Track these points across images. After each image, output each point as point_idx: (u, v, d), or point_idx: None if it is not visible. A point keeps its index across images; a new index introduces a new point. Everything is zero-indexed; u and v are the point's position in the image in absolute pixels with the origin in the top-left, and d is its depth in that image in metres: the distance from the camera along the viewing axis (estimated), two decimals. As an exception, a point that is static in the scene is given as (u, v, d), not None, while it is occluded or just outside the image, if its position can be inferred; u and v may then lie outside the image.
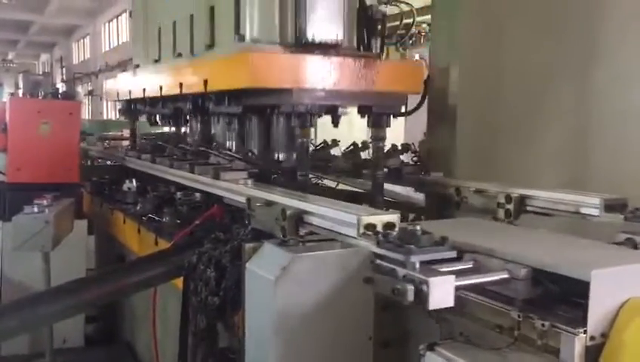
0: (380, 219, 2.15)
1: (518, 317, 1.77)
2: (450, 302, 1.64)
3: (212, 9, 3.75)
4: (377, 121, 3.46)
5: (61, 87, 26.62)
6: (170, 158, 4.22)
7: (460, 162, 3.85)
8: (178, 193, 4.00)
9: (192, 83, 3.66)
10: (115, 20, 28.79)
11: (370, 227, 2.11)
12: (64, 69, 36.84)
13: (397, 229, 2.06)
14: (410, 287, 1.63)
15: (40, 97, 6.18)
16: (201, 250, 2.65)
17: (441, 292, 1.62)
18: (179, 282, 2.84)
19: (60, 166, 5.25)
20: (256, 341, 2.18)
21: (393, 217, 2.18)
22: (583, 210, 2.73)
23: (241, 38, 3.33)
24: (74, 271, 4.58)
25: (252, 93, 3.27)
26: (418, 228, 1.89)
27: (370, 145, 3.73)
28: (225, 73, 3.31)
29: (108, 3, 19.99)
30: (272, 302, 2.02)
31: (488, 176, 3.50)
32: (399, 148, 4.00)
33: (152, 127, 5.72)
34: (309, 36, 3.27)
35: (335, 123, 3.97)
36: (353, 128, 5.05)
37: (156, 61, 4.79)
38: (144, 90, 4.64)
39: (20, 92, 17.73)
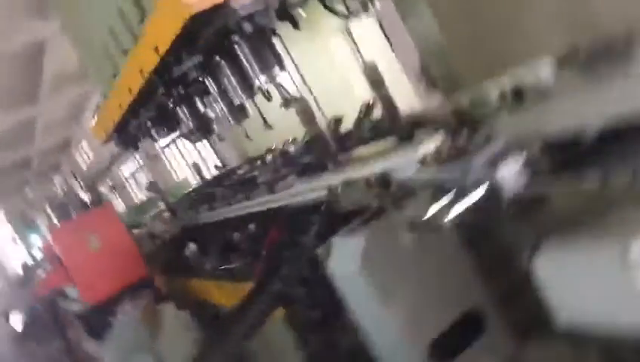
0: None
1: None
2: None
3: None
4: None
5: (85, 196, 27.16)
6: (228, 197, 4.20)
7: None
8: (234, 234, 4.05)
9: (147, 59, 3.52)
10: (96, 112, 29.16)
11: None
12: (79, 180, 37.61)
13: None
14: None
15: (74, 216, 6.32)
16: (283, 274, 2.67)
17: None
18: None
19: (125, 268, 5.36)
20: (376, 334, 2.21)
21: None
22: None
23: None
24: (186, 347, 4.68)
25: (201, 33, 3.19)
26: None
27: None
28: (165, 25, 3.18)
29: (83, 106, 20.25)
30: (369, 292, 2.02)
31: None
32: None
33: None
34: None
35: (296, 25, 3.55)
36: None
37: (114, 75, 4.62)
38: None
39: (55, 220, 18.19)
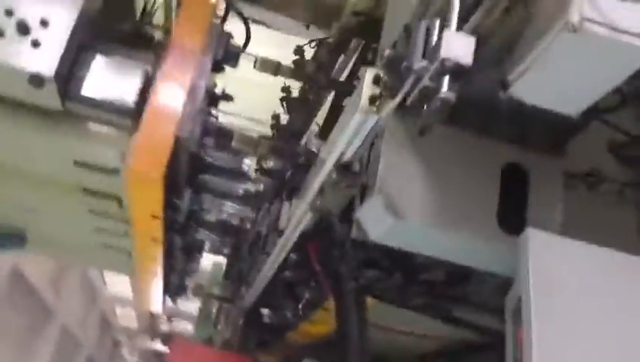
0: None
1: None
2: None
3: None
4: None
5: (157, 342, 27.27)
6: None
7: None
8: (285, 275, 4.05)
9: (151, 225, 3.43)
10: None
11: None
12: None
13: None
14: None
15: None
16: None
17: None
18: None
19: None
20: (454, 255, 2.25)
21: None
22: None
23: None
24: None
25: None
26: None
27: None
28: (150, 193, 3.02)
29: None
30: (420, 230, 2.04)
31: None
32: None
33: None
34: None
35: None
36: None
37: (129, 254, 4.76)
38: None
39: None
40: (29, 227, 4.41)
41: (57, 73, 2.47)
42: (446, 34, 1.49)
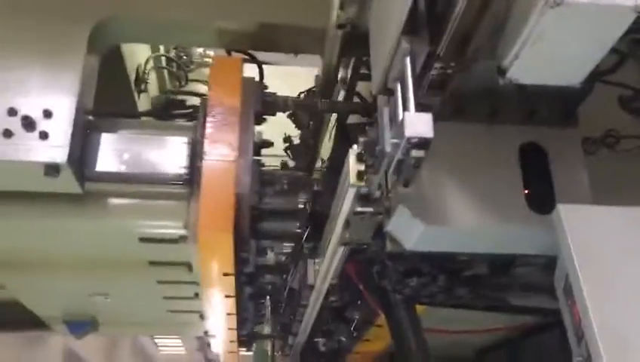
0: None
1: None
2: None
3: None
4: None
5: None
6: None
7: None
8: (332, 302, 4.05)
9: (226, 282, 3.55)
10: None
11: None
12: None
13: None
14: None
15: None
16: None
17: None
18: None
19: None
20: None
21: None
22: None
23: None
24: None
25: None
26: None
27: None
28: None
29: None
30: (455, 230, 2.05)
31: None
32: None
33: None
34: None
35: None
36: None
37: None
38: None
39: None
40: (100, 310, 4.45)
41: (70, 158, 2.54)
42: (406, 116, 1.70)
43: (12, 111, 2.55)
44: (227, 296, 3.65)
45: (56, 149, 2.53)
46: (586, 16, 1.49)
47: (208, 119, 2.82)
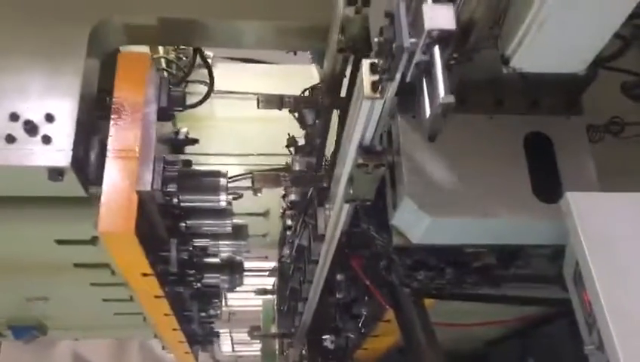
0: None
1: None
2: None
3: None
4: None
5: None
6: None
7: None
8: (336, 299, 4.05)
9: (147, 284, 3.50)
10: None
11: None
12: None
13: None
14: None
15: None
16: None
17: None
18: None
19: None
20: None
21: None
22: None
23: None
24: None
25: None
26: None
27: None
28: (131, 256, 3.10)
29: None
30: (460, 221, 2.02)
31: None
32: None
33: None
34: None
35: None
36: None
37: (144, 319, 4.83)
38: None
39: None
40: (45, 314, 4.53)
41: (74, 161, 2.53)
42: (424, 7, 1.53)
43: (14, 117, 2.55)
44: (157, 297, 3.65)
45: (60, 153, 2.53)
46: (589, 0, 1.48)
47: (112, 117, 2.82)
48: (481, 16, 1.72)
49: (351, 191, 2.31)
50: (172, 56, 4.85)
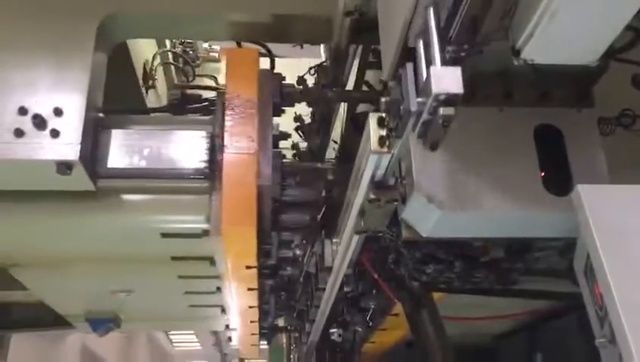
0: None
1: None
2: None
3: None
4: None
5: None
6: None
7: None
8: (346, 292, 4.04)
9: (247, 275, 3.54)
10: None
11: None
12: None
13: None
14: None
15: None
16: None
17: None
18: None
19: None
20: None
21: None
22: None
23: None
24: None
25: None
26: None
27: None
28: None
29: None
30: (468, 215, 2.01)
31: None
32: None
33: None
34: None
35: None
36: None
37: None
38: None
39: None
40: (122, 306, 4.47)
41: (82, 155, 2.53)
42: (433, 71, 1.53)
43: (23, 111, 2.54)
44: (250, 289, 3.66)
45: (68, 147, 2.53)
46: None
47: (227, 112, 2.80)
48: (492, 7, 1.71)
49: (362, 224, 2.33)
50: (179, 50, 4.85)
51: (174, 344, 18.61)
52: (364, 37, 2.84)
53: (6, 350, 5.81)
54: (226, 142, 2.75)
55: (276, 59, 4.27)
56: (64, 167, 2.54)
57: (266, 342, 6.25)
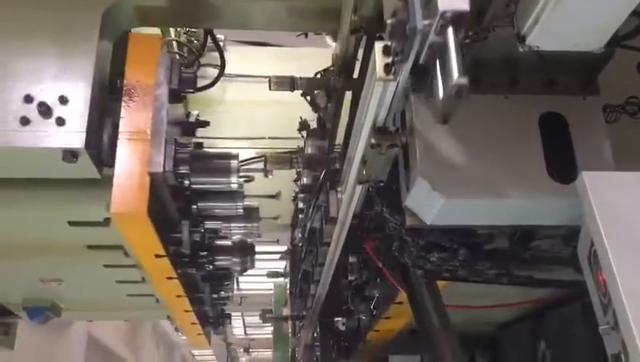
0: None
1: None
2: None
3: None
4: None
5: None
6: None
7: None
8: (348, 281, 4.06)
9: (160, 266, 3.54)
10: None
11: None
12: None
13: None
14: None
15: None
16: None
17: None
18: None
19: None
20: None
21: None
22: None
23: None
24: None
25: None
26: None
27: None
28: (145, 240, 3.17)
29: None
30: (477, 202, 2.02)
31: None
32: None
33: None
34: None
35: None
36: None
37: (157, 301, 4.86)
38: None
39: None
40: (59, 295, 4.59)
41: (88, 143, 2.55)
42: None
43: (28, 98, 2.55)
44: (169, 278, 3.69)
45: (74, 135, 2.54)
46: (607, -25, 1.45)
47: (124, 98, 2.82)
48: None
49: (364, 172, 2.31)
50: (183, 38, 4.85)
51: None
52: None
53: (12, 337, 5.86)
54: (120, 128, 2.76)
55: (280, 48, 4.28)
56: (70, 154, 2.55)
57: (213, 331, 6.28)
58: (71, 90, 2.60)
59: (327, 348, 5.66)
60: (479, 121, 2.18)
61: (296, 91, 3.29)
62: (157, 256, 3.26)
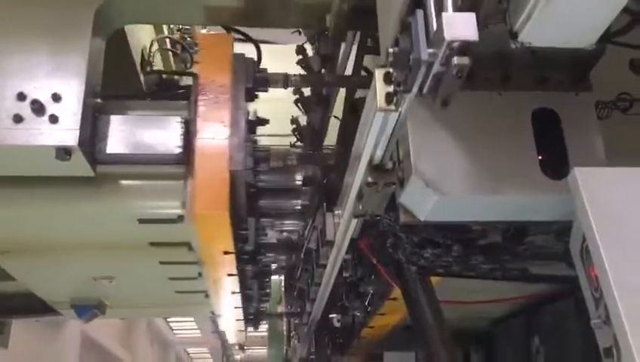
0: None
1: None
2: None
3: None
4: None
5: None
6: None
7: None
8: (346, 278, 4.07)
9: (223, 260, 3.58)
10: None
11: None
12: None
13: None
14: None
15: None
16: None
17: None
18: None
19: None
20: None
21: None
22: None
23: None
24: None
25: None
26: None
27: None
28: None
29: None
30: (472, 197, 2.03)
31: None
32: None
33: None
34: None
35: None
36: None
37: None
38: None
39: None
40: (107, 293, 4.51)
41: (81, 141, 2.54)
42: (445, 16, 1.43)
43: (21, 96, 2.54)
44: (229, 275, 3.69)
45: (67, 132, 2.53)
46: (598, -28, 1.46)
47: (200, 97, 2.81)
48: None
49: (360, 208, 2.32)
50: (177, 36, 4.83)
51: (174, 331, 18.70)
52: (360, 21, 2.83)
53: (7, 336, 5.85)
54: (198, 127, 2.76)
55: (273, 45, 4.25)
56: (63, 152, 2.54)
57: (252, 328, 6.31)
58: (64, 87, 2.59)
59: (321, 344, 5.69)
60: (472, 117, 2.19)
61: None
62: (225, 252, 3.25)
